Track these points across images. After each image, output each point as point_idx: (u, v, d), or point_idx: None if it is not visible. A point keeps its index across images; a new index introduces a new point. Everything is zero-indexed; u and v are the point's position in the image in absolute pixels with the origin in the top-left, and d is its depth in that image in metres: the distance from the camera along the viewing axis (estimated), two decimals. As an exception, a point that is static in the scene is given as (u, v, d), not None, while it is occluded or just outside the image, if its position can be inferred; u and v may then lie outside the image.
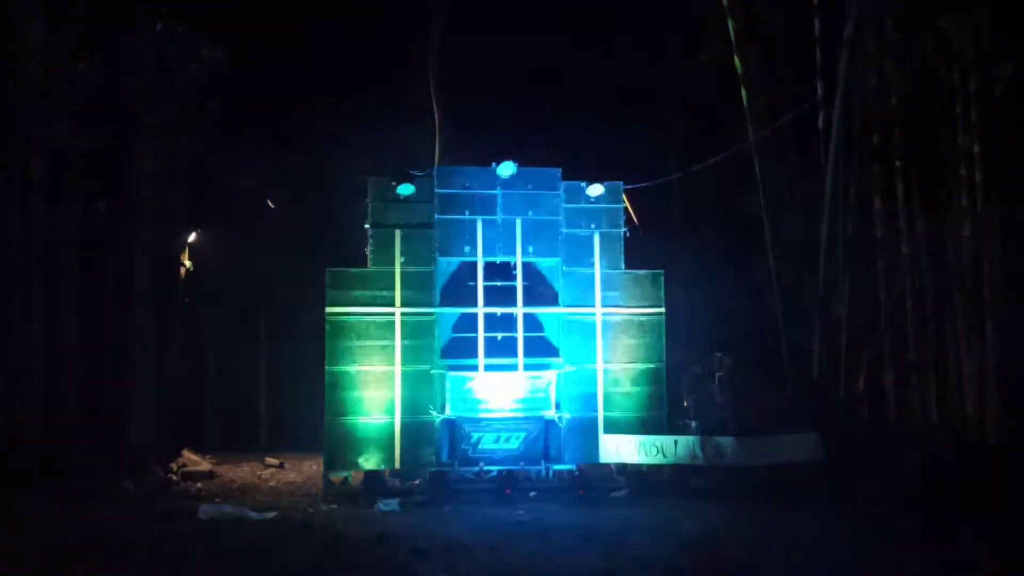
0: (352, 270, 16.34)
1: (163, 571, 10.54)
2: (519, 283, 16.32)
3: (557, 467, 15.95)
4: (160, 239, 18.97)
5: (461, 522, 13.28)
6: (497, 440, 15.71)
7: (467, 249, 16.37)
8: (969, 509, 13.12)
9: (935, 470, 14.86)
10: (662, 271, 16.90)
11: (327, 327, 15.94)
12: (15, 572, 10.22)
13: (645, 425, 16.13)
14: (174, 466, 18.19)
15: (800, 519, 13.14)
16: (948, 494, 13.77)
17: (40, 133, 16.33)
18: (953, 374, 17.52)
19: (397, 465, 15.87)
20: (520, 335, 16.16)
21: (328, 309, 15.94)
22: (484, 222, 16.40)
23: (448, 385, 15.89)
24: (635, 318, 16.61)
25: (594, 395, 16.32)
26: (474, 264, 16.33)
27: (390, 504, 14.53)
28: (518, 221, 16.46)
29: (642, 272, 16.83)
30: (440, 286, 16.26)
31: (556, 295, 16.48)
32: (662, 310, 16.70)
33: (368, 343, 15.94)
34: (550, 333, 16.41)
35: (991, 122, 17.32)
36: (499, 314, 16.26)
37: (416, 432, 15.84)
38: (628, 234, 16.91)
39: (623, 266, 16.76)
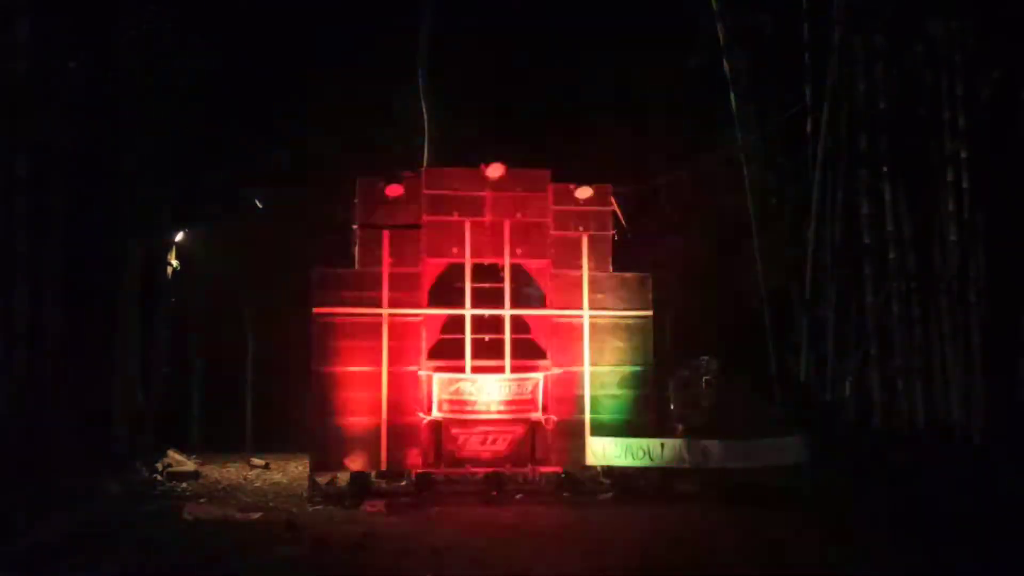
0: (339, 271, 16.30)
1: (147, 571, 10.47)
2: (507, 285, 16.31)
3: (543, 469, 15.93)
4: (146, 238, 18.89)
5: (447, 523, 13.25)
6: (484, 442, 15.68)
7: (455, 250, 16.34)
8: (954, 511, 13.18)
9: (921, 472, 14.94)
10: (650, 274, 16.89)
11: (314, 327, 15.88)
12: (-3, 572, 10.16)
13: (632, 428, 16.11)
14: (159, 466, 18.11)
15: (786, 522, 13.15)
16: (933, 496, 13.84)
17: (26, 130, 16.25)
18: (939, 377, 17.60)
19: (383, 466, 15.82)
20: (507, 337, 16.14)
21: (315, 310, 15.89)
22: (472, 224, 16.38)
23: (435, 386, 15.86)
24: (623, 321, 16.59)
25: (581, 397, 16.30)
26: (462, 266, 16.31)
27: (376, 505, 14.49)
28: (506, 223, 16.44)
29: (630, 275, 16.81)
30: (428, 287, 16.23)
31: (544, 297, 16.47)
32: (650, 313, 16.69)
33: (355, 344, 15.89)
34: (537, 335, 16.40)
35: (978, 127, 17.42)
36: (487, 316, 16.24)
37: (402, 433, 15.79)
38: (616, 237, 16.91)
39: (611, 269, 16.75)
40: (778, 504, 14.25)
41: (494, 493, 15.37)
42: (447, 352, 16.05)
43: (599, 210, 16.82)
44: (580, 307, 16.54)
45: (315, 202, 21.70)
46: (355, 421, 15.71)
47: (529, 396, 16.00)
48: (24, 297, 16.31)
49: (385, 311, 16.04)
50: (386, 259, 16.14)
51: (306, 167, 22.31)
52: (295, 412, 18.89)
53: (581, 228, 16.72)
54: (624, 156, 20.86)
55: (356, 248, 16.28)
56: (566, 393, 16.26)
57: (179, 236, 21.59)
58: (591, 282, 16.61)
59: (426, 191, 16.37)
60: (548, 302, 16.45)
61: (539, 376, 16.11)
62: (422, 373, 15.93)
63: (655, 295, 16.80)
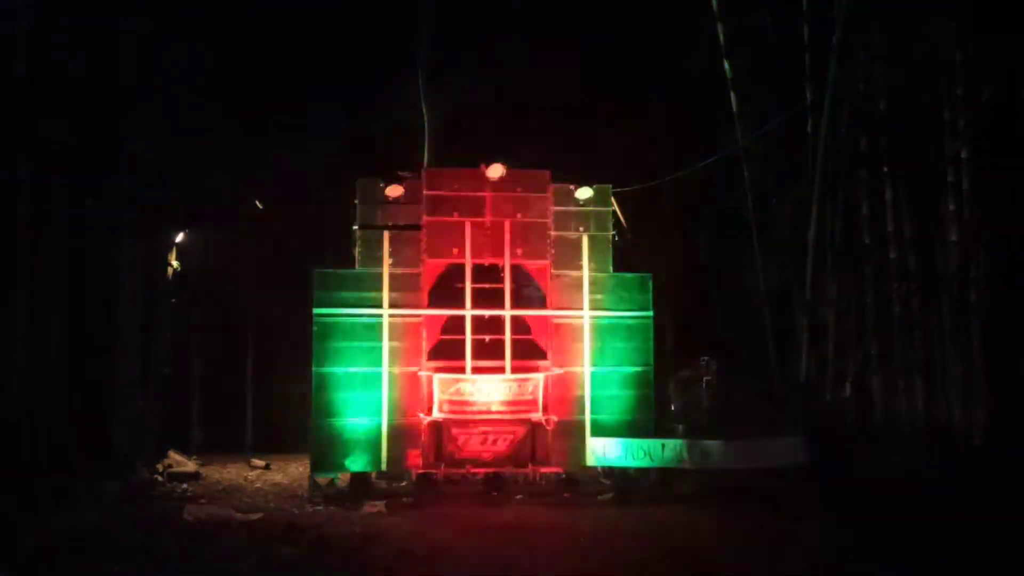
0: (340, 271, 16.31)
1: (147, 572, 10.47)
2: (507, 285, 16.31)
3: (544, 470, 15.92)
4: (147, 239, 18.87)
5: (447, 524, 13.25)
6: (484, 442, 15.69)
7: (455, 251, 16.35)
8: (954, 512, 13.17)
9: (921, 473, 14.92)
10: (650, 274, 16.90)
11: (314, 328, 15.90)
12: (-3, 572, 10.16)
13: (632, 428, 16.13)
14: (159, 467, 18.10)
15: (786, 523, 13.16)
16: (933, 497, 13.82)
17: (26, 130, 16.26)
18: (939, 378, 17.58)
19: (383, 467, 15.84)
20: (508, 338, 16.15)
21: (315, 310, 15.90)
22: (472, 224, 16.39)
23: (435, 387, 15.87)
24: (623, 321, 16.60)
25: (581, 398, 16.32)
26: (462, 266, 16.31)
27: (376, 506, 14.50)
28: (506, 223, 16.45)
29: (630, 275, 16.83)
30: (428, 288, 16.24)
31: (544, 298, 16.47)
32: (650, 313, 16.70)
33: (355, 344, 15.90)
34: (538, 336, 16.40)
35: (978, 127, 17.40)
36: (487, 316, 16.24)
37: (403, 434, 15.82)
38: (617, 237, 16.92)
39: (611, 269, 16.76)
40: (778, 505, 14.24)
41: (494, 494, 15.38)
42: (447, 353, 16.07)
43: (599, 210, 16.85)
44: (580, 307, 16.56)
45: (315, 202, 21.68)
46: (355, 422, 15.73)
47: (530, 397, 16.01)
48: (24, 298, 16.32)
49: (385, 312, 16.06)
50: (386, 260, 16.15)
51: (306, 167, 22.29)
52: (295, 413, 18.90)
53: (581, 228, 16.74)
54: (624, 156, 20.84)
55: (356, 249, 16.29)
56: (566, 394, 16.28)
57: (179, 237, 21.56)
58: (591, 283, 16.63)
59: (426, 191, 16.39)
60: (548, 303, 16.46)
61: (539, 377, 16.12)
62: (422, 374, 15.95)
63: (655, 295, 16.80)
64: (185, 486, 17.11)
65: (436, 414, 15.75)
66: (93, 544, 11.37)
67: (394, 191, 16.25)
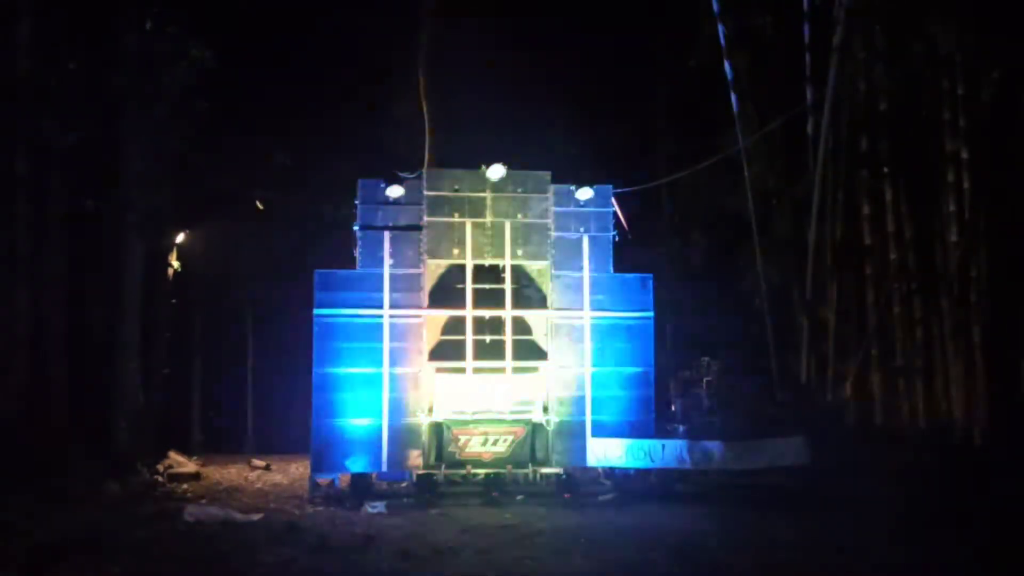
0: (340, 272, 16.30)
1: (147, 572, 10.48)
2: (508, 286, 16.30)
3: (544, 470, 15.92)
4: (148, 239, 18.90)
5: (448, 525, 13.26)
6: (484, 443, 15.67)
7: (456, 251, 16.34)
8: (954, 512, 13.18)
9: (921, 473, 14.93)
10: (651, 275, 16.88)
11: (315, 329, 15.88)
12: (-2, 573, 10.17)
13: (633, 429, 16.10)
14: (160, 467, 18.12)
15: (787, 523, 13.16)
16: (934, 497, 13.83)
17: (28, 131, 16.27)
18: (940, 378, 17.60)
19: (384, 467, 15.82)
20: (508, 338, 16.14)
21: (316, 311, 15.88)
22: (473, 225, 16.38)
23: (436, 387, 15.86)
24: (623, 322, 16.58)
25: (582, 398, 16.29)
26: (463, 267, 16.30)
27: (377, 506, 14.49)
28: (507, 224, 16.44)
29: (631, 276, 16.80)
30: (429, 288, 16.23)
31: (544, 298, 16.46)
32: (650, 314, 16.67)
33: (356, 345, 15.88)
34: (538, 336, 16.39)
35: (979, 127, 17.41)
36: (488, 317, 16.23)
37: (403, 434, 15.79)
38: (617, 238, 16.91)
39: (612, 270, 16.74)
40: (779, 505, 14.24)
41: (495, 494, 15.36)
42: (448, 353, 16.05)
43: (600, 211, 16.83)
44: (581, 308, 16.54)
45: (316, 203, 21.70)
46: (356, 422, 15.71)
47: (530, 397, 16.01)
48: (26, 298, 16.33)
49: (386, 312, 16.05)
50: (387, 260, 16.15)
51: (307, 168, 22.31)
52: (296, 413, 18.91)
53: (582, 229, 16.72)
54: (625, 157, 20.85)
55: (357, 249, 16.28)
56: (567, 394, 16.26)
57: (180, 237, 21.59)
58: (592, 283, 16.61)
59: (427, 192, 16.38)
60: (549, 303, 16.45)
61: (540, 377, 16.11)
62: (423, 374, 15.92)
63: (656, 296, 16.79)
64: (185, 486, 17.12)
65: (436, 415, 15.74)
66: (93, 544, 11.38)
67: (395, 192, 16.24)
